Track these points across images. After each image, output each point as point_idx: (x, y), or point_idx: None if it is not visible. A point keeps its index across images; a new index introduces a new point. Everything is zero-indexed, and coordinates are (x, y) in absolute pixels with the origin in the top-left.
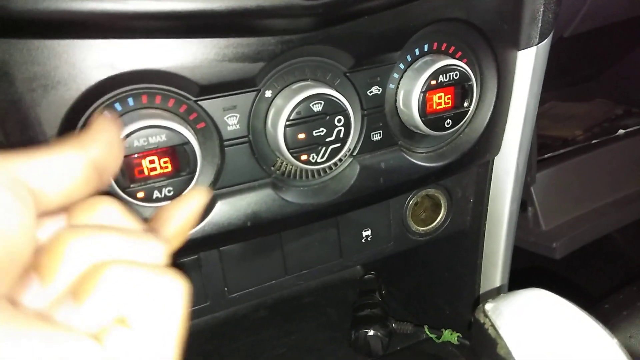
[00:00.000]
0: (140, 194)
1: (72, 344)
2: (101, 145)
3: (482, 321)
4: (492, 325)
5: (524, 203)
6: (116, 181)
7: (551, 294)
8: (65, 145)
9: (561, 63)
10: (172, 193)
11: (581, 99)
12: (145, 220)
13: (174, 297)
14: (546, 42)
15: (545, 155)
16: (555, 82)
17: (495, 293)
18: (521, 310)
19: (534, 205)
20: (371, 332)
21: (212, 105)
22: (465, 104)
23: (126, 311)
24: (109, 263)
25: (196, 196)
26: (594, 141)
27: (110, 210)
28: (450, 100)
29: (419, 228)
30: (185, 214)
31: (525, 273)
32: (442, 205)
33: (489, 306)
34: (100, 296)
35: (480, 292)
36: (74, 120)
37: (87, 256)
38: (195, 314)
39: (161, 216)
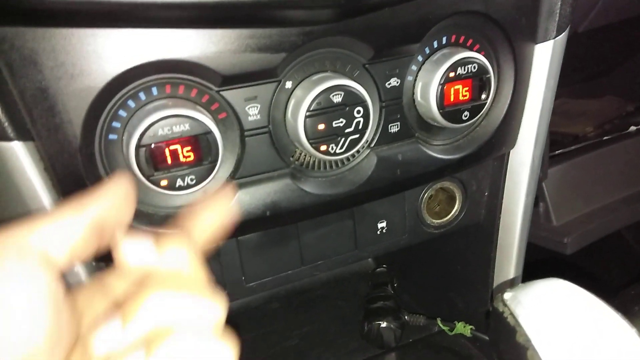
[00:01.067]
0: (164, 182)
1: None
2: (102, 205)
3: (500, 310)
4: (511, 313)
5: (535, 198)
6: (140, 169)
7: (570, 284)
8: (66, 208)
9: (573, 60)
10: (194, 181)
11: (592, 95)
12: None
13: None
14: (563, 36)
15: (557, 152)
16: (566, 79)
17: (508, 285)
18: (540, 298)
19: (545, 200)
20: (384, 324)
21: (233, 95)
22: (483, 97)
23: None
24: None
25: (224, 200)
26: (605, 138)
27: (183, 253)
28: (467, 93)
29: (433, 221)
30: (215, 217)
31: (537, 268)
32: (457, 198)
33: (507, 295)
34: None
35: (494, 285)
36: (100, 109)
37: (161, 310)
38: None
39: (193, 219)
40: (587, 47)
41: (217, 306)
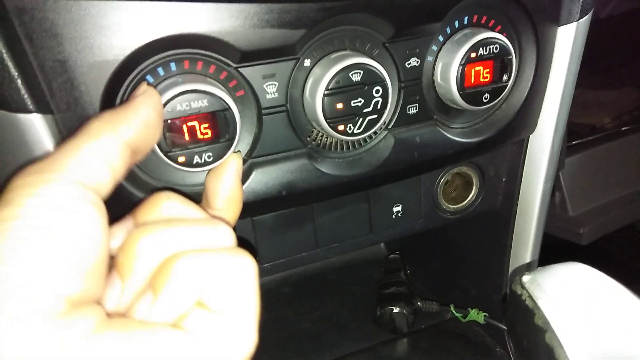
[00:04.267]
0: (181, 159)
1: (158, 338)
2: (134, 126)
3: (519, 292)
4: (530, 296)
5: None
6: (159, 145)
7: (590, 268)
8: (100, 128)
9: (593, 49)
10: (211, 159)
11: (611, 86)
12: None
13: (245, 273)
14: (587, 19)
15: (574, 142)
16: (585, 69)
17: (524, 270)
18: (559, 281)
19: (561, 190)
20: (396, 310)
21: (252, 72)
22: (504, 79)
23: (203, 295)
24: (178, 255)
25: (232, 163)
26: (623, 129)
27: (171, 204)
28: (488, 75)
29: (449, 206)
30: (228, 182)
31: (552, 257)
32: (474, 183)
33: (526, 278)
34: (175, 286)
35: (510, 271)
36: (119, 83)
37: (157, 251)
38: None
39: (209, 190)
40: (609, 35)
41: (221, 228)
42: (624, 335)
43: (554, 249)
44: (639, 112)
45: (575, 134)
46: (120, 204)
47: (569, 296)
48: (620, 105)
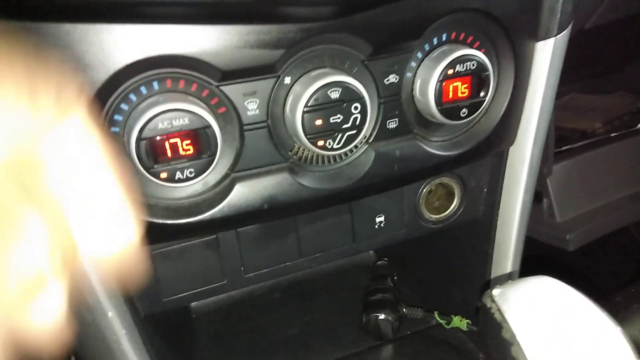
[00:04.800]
0: (164, 175)
1: None
2: None
3: (488, 306)
4: (498, 309)
5: (539, 194)
6: (141, 162)
7: (558, 282)
8: None
9: (583, 55)
10: (193, 174)
11: (603, 91)
12: None
13: None
14: (565, 34)
15: (563, 148)
16: (576, 74)
17: (505, 279)
18: (527, 296)
19: (549, 196)
20: (382, 316)
21: (233, 90)
22: (482, 94)
23: None
24: None
25: None
26: (613, 134)
27: None
28: (467, 90)
29: (432, 216)
30: None
31: (537, 264)
32: (456, 193)
33: (496, 291)
34: None
35: (490, 281)
36: (102, 102)
37: None
38: (212, 292)
39: None
40: (599, 43)
41: None
42: (588, 350)
43: (541, 255)
44: (630, 118)
45: (566, 140)
46: None
47: (536, 310)
48: (611, 110)
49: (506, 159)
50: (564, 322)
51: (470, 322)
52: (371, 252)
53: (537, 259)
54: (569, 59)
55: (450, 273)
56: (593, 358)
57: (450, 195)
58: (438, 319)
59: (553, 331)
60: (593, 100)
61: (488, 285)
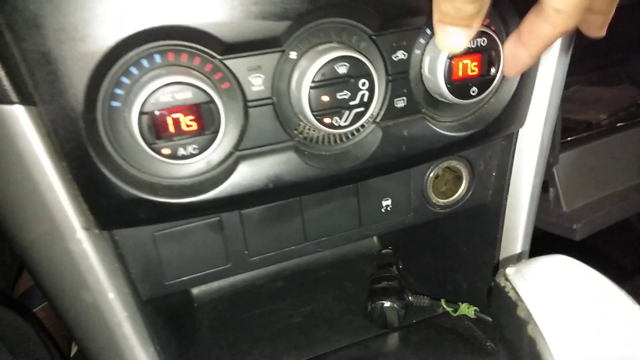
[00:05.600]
0: (166, 151)
1: None
2: None
3: (502, 285)
4: (513, 288)
5: (545, 184)
6: (143, 137)
7: (573, 260)
8: None
9: (588, 46)
10: (197, 151)
11: (608, 83)
12: None
13: None
14: None
15: (569, 138)
16: (581, 66)
17: (515, 260)
18: (542, 273)
19: (555, 186)
20: (387, 304)
21: (236, 64)
22: (492, 71)
23: None
24: None
25: None
26: (618, 125)
27: None
28: (476, 68)
29: (439, 200)
30: None
31: (543, 252)
32: (464, 177)
33: (510, 270)
34: None
35: (499, 266)
36: (102, 74)
37: None
38: (216, 275)
39: None
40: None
41: None
42: (605, 326)
43: (547, 245)
44: (635, 109)
45: (571, 130)
46: (107, 197)
47: (552, 288)
48: (616, 102)
49: (516, 141)
50: (581, 299)
51: (478, 309)
52: (375, 241)
53: (542, 248)
54: (573, 51)
55: (456, 260)
56: (612, 335)
57: (457, 180)
58: (445, 306)
59: (570, 308)
60: (597, 92)
61: (497, 269)
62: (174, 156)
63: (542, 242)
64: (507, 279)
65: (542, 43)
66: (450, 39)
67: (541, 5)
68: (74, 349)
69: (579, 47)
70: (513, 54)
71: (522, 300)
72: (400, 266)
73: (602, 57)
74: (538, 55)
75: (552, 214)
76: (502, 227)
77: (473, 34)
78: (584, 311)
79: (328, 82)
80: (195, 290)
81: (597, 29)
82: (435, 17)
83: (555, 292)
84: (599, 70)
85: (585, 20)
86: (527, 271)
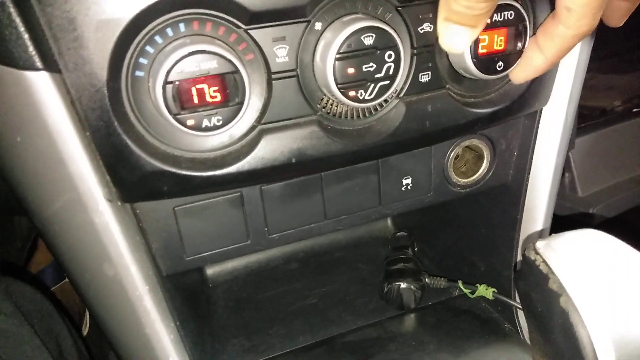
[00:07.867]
0: (190, 122)
1: None
2: None
3: (532, 258)
4: (544, 261)
5: None
6: (167, 107)
7: (604, 234)
8: None
9: (602, 33)
10: (220, 122)
11: (622, 71)
12: None
13: None
14: None
15: (583, 124)
16: (595, 53)
17: (537, 237)
18: (573, 246)
19: (571, 171)
20: (404, 285)
21: (261, 34)
22: (519, 46)
23: None
24: None
25: None
26: (634, 110)
27: None
28: (502, 42)
29: (460, 180)
30: None
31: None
32: (485, 156)
33: (540, 244)
34: None
35: (519, 246)
36: (127, 42)
37: None
38: (235, 252)
39: None
40: None
41: None
42: (638, 298)
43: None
44: None
45: (586, 117)
46: (129, 169)
47: (583, 260)
48: (630, 89)
49: (539, 119)
50: (613, 272)
51: (496, 291)
52: (389, 224)
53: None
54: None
55: (474, 242)
56: None
57: (479, 159)
58: (462, 287)
59: (602, 280)
60: (611, 79)
61: (516, 250)
62: (198, 127)
63: (558, 228)
64: (537, 253)
65: (557, 46)
66: (455, 38)
67: (555, 5)
68: (86, 329)
69: (592, 35)
70: (528, 56)
71: (553, 273)
72: (416, 249)
73: (616, 44)
74: (554, 61)
75: (567, 199)
76: (523, 207)
77: (475, 36)
78: (616, 283)
79: (354, 53)
80: (209, 271)
81: (618, 18)
82: (442, 14)
83: (586, 265)
84: (612, 58)
85: (609, 5)
86: (558, 244)
